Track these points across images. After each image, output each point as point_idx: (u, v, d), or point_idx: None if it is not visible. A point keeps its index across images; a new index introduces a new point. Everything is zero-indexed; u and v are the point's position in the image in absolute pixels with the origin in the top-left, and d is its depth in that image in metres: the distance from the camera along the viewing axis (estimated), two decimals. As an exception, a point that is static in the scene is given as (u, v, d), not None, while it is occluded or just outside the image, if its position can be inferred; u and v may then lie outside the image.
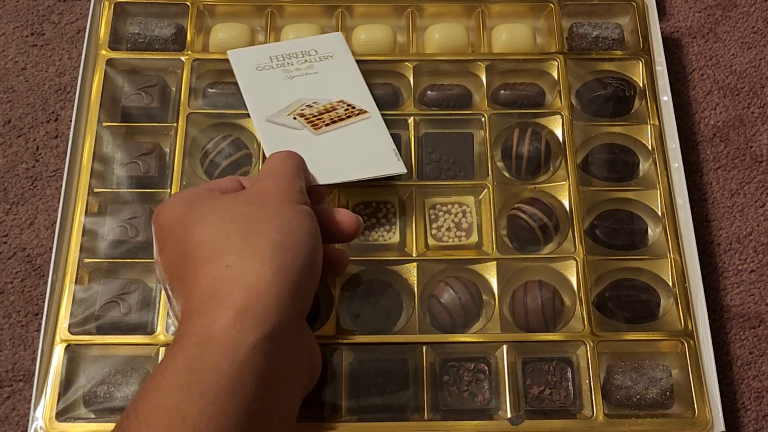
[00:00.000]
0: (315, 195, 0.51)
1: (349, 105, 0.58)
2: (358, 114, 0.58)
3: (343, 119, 0.57)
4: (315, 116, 0.57)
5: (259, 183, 0.46)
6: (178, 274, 0.42)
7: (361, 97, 0.60)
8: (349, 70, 0.61)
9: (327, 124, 0.57)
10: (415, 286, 0.58)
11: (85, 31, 0.66)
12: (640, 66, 0.66)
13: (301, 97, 0.59)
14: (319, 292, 0.58)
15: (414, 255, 0.59)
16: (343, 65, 0.62)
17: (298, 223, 0.42)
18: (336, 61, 0.62)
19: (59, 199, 0.60)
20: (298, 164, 0.48)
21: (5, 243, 0.64)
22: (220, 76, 0.66)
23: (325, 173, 0.53)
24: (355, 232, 0.50)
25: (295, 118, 0.57)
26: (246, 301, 0.38)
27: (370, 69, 0.66)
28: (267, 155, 0.53)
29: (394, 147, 0.57)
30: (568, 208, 0.61)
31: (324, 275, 0.47)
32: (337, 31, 0.67)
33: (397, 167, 0.57)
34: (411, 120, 0.63)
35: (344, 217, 0.49)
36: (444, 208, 0.61)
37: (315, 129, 0.56)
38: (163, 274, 0.45)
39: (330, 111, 0.57)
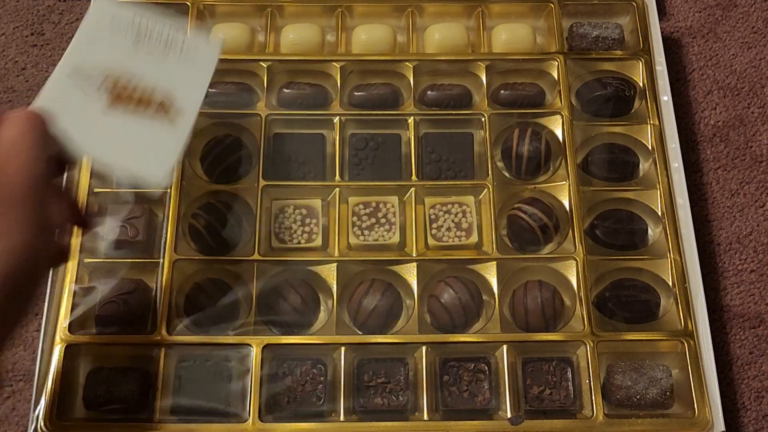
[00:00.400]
0: (63, 162, 0.44)
1: (167, 105, 0.51)
2: (166, 116, 0.50)
3: (145, 110, 0.50)
4: (124, 92, 0.50)
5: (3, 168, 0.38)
6: None
7: (189, 105, 0.52)
8: (199, 78, 0.54)
9: (127, 106, 0.49)
10: (415, 286, 0.58)
11: (85, 31, 0.66)
12: (640, 66, 0.66)
13: (131, 69, 0.51)
14: (319, 292, 0.58)
15: (414, 255, 0.59)
16: (197, 70, 0.54)
17: (23, 235, 0.36)
18: (194, 65, 0.54)
19: (59, 199, 0.60)
20: (43, 134, 0.40)
21: (5, 243, 0.64)
22: (220, 76, 0.65)
23: (85, 142, 0.46)
24: (90, 227, 0.46)
25: (103, 82, 0.49)
26: None
27: (370, 69, 0.66)
28: (38, 102, 0.45)
29: (175, 164, 0.50)
30: (568, 208, 0.61)
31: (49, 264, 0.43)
32: (339, 31, 0.68)
33: (159, 179, 0.48)
34: (411, 120, 0.63)
35: (78, 208, 0.45)
36: (444, 208, 0.61)
37: (112, 102, 0.49)
38: None
39: (143, 98, 0.50)
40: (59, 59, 0.71)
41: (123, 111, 0.49)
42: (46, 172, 0.38)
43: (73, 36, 0.72)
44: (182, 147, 0.50)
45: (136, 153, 0.49)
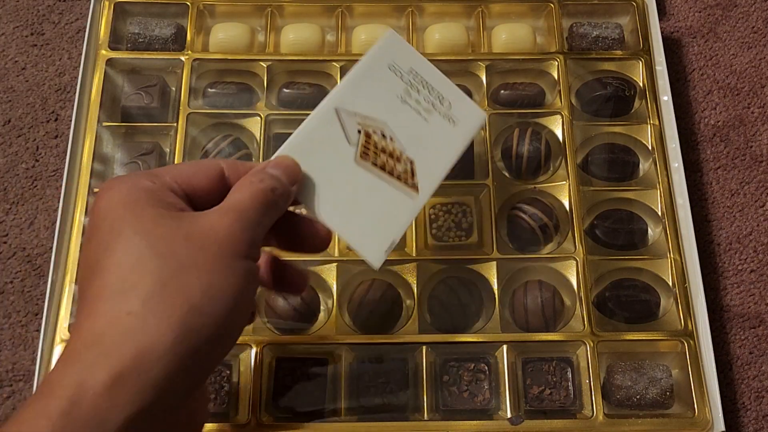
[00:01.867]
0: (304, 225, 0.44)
1: (411, 172, 0.48)
2: (406, 185, 0.47)
3: (390, 174, 0.47)
4: (373, 146, 0.47)
5: (212, 218, 0.38)
6: (85, 286, 0.36)
7: (431, 178, 0.48)
8: (450, 149, 0.50)
9: (373, 163, 0.46)
10: (415, 286, 0.58)
11: (85, 31, 0.66)
12: (640, 66, 0.66)
13: (388, 124, 0.48)
14: (319, 292, 0.58)
15: (414, 255, 0.59)
16: (453, 138, 0.50)
17: (229, 285, 0.36)
18: (451, 134, 0.50)
19: (59, 199, 0.60)
20: (268, 205, 0.40)
21: (5, 243, 0.64)
22: (220, 75, 0.66)
23: (322, 208, 0.44)
24: (327, 246, 0.45)
25: (359, 131, 0.46)
26: (131, 363, 0.33)
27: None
28: (283, 145, 0.44)
29: (395, 241, 0.46)
30: (568, 208, 0.61)
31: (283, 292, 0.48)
32: (339, 31, 0.68)
33: (374, 257, 0.45)
34: (411, 120, 0.63)
35: (320, 229, 0.44)
36: (444, 208, 0.61)
37: (360, 156, 0.46)
38: (79, 267, 0.39)
39: (392, 158, 0.47)
40: (59, 59, 0.72)
41: (365, 171, 0.46)
42: (253, 244, 0.38)
43: (73, 36, 0.73)
44: (409, 223, 0.47)
45: (362, 222, 0.45)
